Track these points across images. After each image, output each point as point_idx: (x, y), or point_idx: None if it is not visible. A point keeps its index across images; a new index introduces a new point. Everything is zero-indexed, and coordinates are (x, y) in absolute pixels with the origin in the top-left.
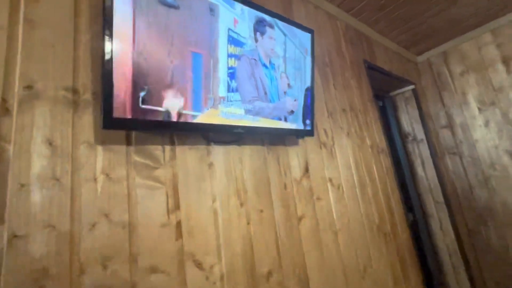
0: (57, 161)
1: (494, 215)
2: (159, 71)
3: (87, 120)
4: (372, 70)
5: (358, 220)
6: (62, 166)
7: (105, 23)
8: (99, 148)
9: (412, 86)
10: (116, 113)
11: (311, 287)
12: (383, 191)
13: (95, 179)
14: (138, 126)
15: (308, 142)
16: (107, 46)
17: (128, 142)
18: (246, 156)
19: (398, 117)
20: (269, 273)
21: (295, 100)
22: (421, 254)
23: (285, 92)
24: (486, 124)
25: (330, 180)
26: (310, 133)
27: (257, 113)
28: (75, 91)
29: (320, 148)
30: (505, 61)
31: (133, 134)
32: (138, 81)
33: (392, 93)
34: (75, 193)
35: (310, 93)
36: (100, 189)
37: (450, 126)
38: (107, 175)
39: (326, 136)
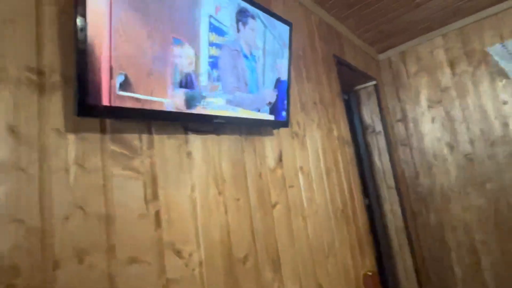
0: (22, 150)
1: (434, 199)
2: (139, 56)
3: (56, 105)
4: (341, 65)
5: (324, 206)
6: (28, 156)
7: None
8: (71, 136)
9: (374, 82)
10: (92, 100)
11: (282, 268)
12: (346, 178)
13: (67, 170)
14: (115, 113)
15: (282, 133)
16: (81, 25)
17: (103, 130)
18: (224, 146)
19: (361, 110)
20: (245, 258)
21: (273, 92)
22: (374, 233)
23: (264, 84)
24: (433, 120)
25: (301, 168)
26: (285, 124)
27: (237, 103)
28: (40, 72)
29: (293, 138)
30: (451, 65)
31: (108, 121)
32: (115, 65)
33: (356, 88)
34: (45, 184)
35: (286, 85)
36: (73, 180)
37: (404, 120)
38: (80, 165)
39: (298, 127)
